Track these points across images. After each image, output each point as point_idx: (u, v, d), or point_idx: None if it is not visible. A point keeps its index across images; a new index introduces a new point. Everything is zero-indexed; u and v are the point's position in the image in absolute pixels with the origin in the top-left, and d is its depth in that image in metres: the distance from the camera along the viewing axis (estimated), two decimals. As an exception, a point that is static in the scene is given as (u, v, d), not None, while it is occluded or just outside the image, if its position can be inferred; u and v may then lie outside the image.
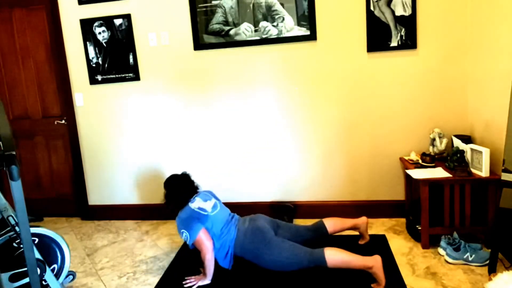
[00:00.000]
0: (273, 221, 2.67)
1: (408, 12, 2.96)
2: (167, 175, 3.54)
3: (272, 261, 2.41)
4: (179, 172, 2.82)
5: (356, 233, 2.93)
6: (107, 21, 3.37)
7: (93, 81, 3.50)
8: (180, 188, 2.67)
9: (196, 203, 2.59)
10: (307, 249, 2.38)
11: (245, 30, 3.18)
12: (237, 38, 3.20)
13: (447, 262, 2.50)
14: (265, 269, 2.54)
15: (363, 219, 2.75)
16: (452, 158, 2.69)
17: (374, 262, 2.24)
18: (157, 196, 3.61)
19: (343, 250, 2.32)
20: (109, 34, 3.40)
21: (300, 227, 2.68)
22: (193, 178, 2.83)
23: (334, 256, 2.28)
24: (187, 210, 2.56)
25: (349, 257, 2.27)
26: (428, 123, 3.10)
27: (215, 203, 2.66)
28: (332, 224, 2.69)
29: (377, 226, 3.11)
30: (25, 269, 2.23)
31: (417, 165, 2.85)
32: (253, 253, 2.47)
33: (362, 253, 2.56)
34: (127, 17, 3.34)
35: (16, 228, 2.11)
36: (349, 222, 2.73)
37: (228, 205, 3.46)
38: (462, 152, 2.66)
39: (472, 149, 2.65)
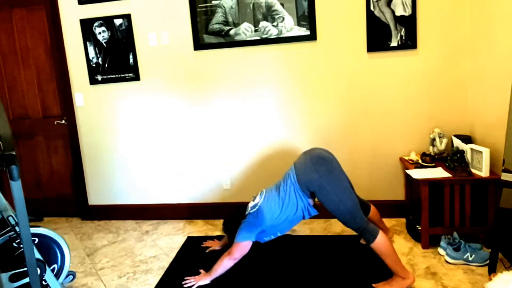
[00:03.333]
0: (333, 157, 2.46)
1: (408, 12, 2.96)
2: (167, 175, 3.54)
3: (333, 202, 2.27)
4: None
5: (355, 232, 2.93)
6: (107, 21, 3.37)
7: (93, 81, 3.50)
8: (234, 219, 2.66)
9: (248, 208, 2.55)
10: (365, 217, 2.30)
11: (245, 30, 3.18)
12: (237, 38, 3.20)
13: (447, 262, 2.50)
14: (266, 269, 2.54)
15: (391, 234, 2.85)
16: (452, 158, 2.69)
17: (408, 277, 2.21)
18: (157, 196, 3.61)
19: (391, 244, 2.31)
20: (109, 34, 3.40)
21: (354, 189, 2.58)
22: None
23: (384, 242, 2.23)
24: (248, 217, 2.51)
25: (393, 254, 2.23)
26: (428, 123, 3.10)
27: (261, 191, 2.58)
28: (375, 213, 2.74)
29: (377, 226, 3.12)
30: (25, 269, 2.23)
31: (417, 165, 2.85)
32: (317, 182, 2.29)
33: (362, 253, 2.58)
34: (127, 17, 3.34)
35: (16, 228, 2.11)
36: (383, 224, 2.83)
37: (228, 205, 3.46)
38: (462, 152, 2.66)
39: (472, 149, 2.65)
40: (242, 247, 2.42)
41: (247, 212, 2.54)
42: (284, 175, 2.56)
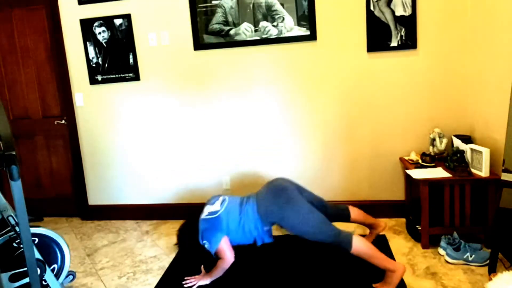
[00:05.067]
0: (296, 184, 2.56)
1: (408, 12, 2.96)
2: (167, 175, 3.54)
3: (297, 224, 2.29)
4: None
5: (358, 232, 2.93)
6: (107, 21, 3.37)
7: (93, 81, 3.50)
8: (188, 226, 2.68)
9: (205, 212, 2.57)
10: (336, 227, 2.29)
11: (245, 30, 3.18)
12: (237, 38, 3.20)
13: (447, 262, 2.50)
14: (266, 270, 2.54)
15: (384, 223, 2.73)
16: (452, 158, 2.69)
17: (399, 268, 2.18)
18: (157, 196, 3.61)
19: (370, 243, 2.27)
20: (109, 34, 3.40)
21: (325, 202, 2.61)
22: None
23: (361, 246, 2.21)
24: (200, 224, 2.54)
25: (374, 252, 2.21)
26: (428, 123, 3.10)
27: (223, 199, 2.61)
28: (356, 213, 2.67)
29: (377, 226, 3.11)
30: (25, 269, 2.23)
31: (417, 165, 2.85)
32: (277, 214, 2.34)
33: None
34: (127, 17, 3.34)
35: (16, 228, 2.11)
36: (371, 219, 2.71)
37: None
38: (462, 152, 2.66)
39: (472, 149, 2.65)
40: (223, 249, 2.44)
41: (204, 216, 2.54)
42: (248, 196, 2.60)
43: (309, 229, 2.28)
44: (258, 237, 2.48)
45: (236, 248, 2.86)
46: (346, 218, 2.65)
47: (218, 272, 2.45)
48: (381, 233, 2.95)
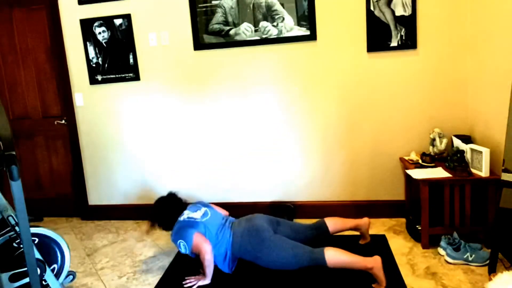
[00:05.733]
0: (272, 219, 2.65)
1: (408, 12, 2.96)
2: (167, 175, 3.54)
3: (272, 261, 2.41)
4: (165, 194, 2.87)
5: (357, 233, 2.93)
6: (107, 21, 3.37)
7: (93, 81, 3.50)
8: (169, 208, 2.72)
9: (185, 215, 2.62)
10: (307, 248, 2.37)
11: (245, 30, 3.18)
12: (237, 38, 3.20)
13: (447, 262, 2.50)
14: (266, 270, 2.54)
15: (365, 220, 2.73)
16: (452, 158, 2.69)
17: (374, 263, 2.23)
18: (158, 196, 3.60)
19: (344, 250, 2.32)
20: (109, 34, 3.40)
21: (301, 226, 2.68)
22: (180, 195, 2.87)
23: (334, 257, 2.27)
24: (177, 223, 2.59)
25: (349, 258, 2.27)
26: (428, 123, 3.10)
27: (205, 211, 2.67)
28: (333, 223, 2.67)
29: (377, 226, 3.11)
30: (25, 269, 2.23)
31: (417, 165, 2.85)
32: (251, 254, 2.47)
33: (362, 253, 2.56)
34: (127, 17, 3.34)
35: (16, 228, 2.11)
36: (351, 222, 2.72)
37: (228, 205, 3.46)
38: (462, 152, 2.66)
39: (472, 149, 2.65)
40: (198, 242, 2.45)
41: (181, 218, 2.60)
42: (229, 222, 2.66)
43: (284, 261, 2.38)
44: (223, 261, 2.54)
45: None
46: (325, 232, 2.66)
47: (208, 268, 2.45)
48: (378, 232, 2.96)
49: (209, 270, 2.45)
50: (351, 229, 2.73)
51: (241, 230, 2.54)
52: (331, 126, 3.23)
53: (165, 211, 2.72)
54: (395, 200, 3.25)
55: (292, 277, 2.44)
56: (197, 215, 2.62)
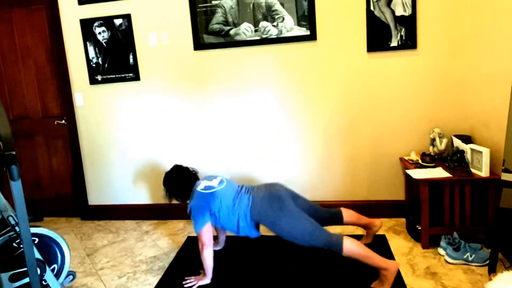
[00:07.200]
0: (291, 192, 2.59)
1: (408, 12, 2.96)
2: (167, 175, 3.54)
3: (287, 231, 2.33)
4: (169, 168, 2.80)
5: (358, 232, 2.93)
6: (107, 21, 3.37)
7: (93, 81, 3.50)
8: (179, 179, 2.65)
9: (202, 185, 2.55)
10: (325, 231, 2.31)
11: (245, 30, 3.18)
12: (237, 38, 3.20)
13: (447, 262, 2.50)
14: (265, 269, 2.54)
15: (378, 222, 2.71)
16: (452, 158, 2.69)
17: (390, 266, 2.20)
18: (158, 196, 3.61)
19: (361, 243, 2.28)
20: (109, 34, 3.40)
21: (317, 207, 2.63)
22: (186, 165, 2.79)
23: (352, 247, 2.23)
24: (195, 196, 2.52)
25: (366, 252, 2.22)
26: (428, 123, 3.10)
27: (221, 179, 2.62)
28: (349, 215, 2.67)
29: (377, 226, 3.11)
30: (25, 269, 2.23)
31: (417, 165, 2.85)
32: (270, 218, 2.38)
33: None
34: (127, 17, 3.34)
35: (16, 228, 2.11)
36: (365, 219, 2.70)
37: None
38: (462, 152, 2.66)
39: (472, 149, 2.65)
40: (205, 232, 2.43)
41: (199, 189, 2.53)
42: (246, 188, 2.60)
43: (300, 236, 2.32)
44: (244, 227, 2.47)
45: (237, 248, 2.87)
46: (339, 221, 2.64)
47: (208, 264, 2.44)
48: (378, 232, 2.95)
49: (208, 266, 2.44)
50: (363, 226, 2.71)
51: (261, 195, 2.47)
52: (331, 126, 3.23)
53: (177, 185, 2.65)
54: (395, 200, 3.25)
55: (292, 276, 2.44)
56: (214, 183, 2.56)
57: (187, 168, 2.72)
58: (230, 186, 2.57)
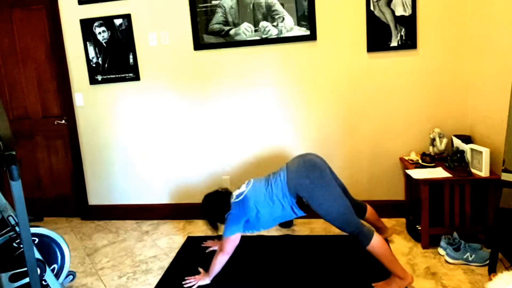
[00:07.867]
0: (327, 164, 2.46)
1: (408, 12, 2.96)
2: (167, 174, 3.54)
3: (324, 206, 2.24)
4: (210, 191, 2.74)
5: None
6: (107, 21, 3.37)
7: (93, 81, 3.50)
8: (214, 204, 2.57)
9: (233, 196, 2.52)
10: (358, 219, 2.27)
11: (245, 30, 3.18)
12: (237, 38, 3.20)
13: (447, 262, 2.50)
14: (266, 270, 2.54)
15: (389, 231, 2.81)
16: (452, 158, 2.69)
17: (407, 277, 2.19)
18: (157, 196, 3.61)
19: (387, 244, 2.27)
20: (109, 34, 3.40)
21: (347, 192, 2.63)
22: (224, 187, 2.73)
23: (380, 244, 2.21)
24: (232, 207, 2.45)
25: (390, 255, 2.21)
26: (428, 123, 3.10)
27: (248, 181, 2.57)
28: (371, 213, 2.72)
29: (377, 226, 3.12)
30: (25, 269, 2.23)
31: (417, 165, 2.85)
32: (309, 188, 2.27)
33: (363, 253, 2.57)
34: (127, 17, 3.34)
35: (16, 228, 2.11)
36: (382, 223, 2.80)
37: (228, 205, 3.46)
38: (462, 152, 2.66)
39: (472, 149, 2.65)
40: (232, 240, 2.40)
41: (232, 201, 2.49)
42: (275, 171, 2.55)
43: (335, 214, 2.24)
44: (289, 206, 2.37)
45: (237, 248, 2.87)
46: (362, 213, 2.69)
47: (216, 268, 2.43)
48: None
49: (215, 270, 2.43)
50: (376, 228, 2.76)
51: (297, 165, 2.36)
52: (331, 125, 3.23)
53: (215, 210, 2.57)
54: (395, 200, 3.25)
55: (292, 276, 2.44)
56: (242, 188, 2.51)
57: (216, 191, 2.65)
58: (258, 182, 2.50)
